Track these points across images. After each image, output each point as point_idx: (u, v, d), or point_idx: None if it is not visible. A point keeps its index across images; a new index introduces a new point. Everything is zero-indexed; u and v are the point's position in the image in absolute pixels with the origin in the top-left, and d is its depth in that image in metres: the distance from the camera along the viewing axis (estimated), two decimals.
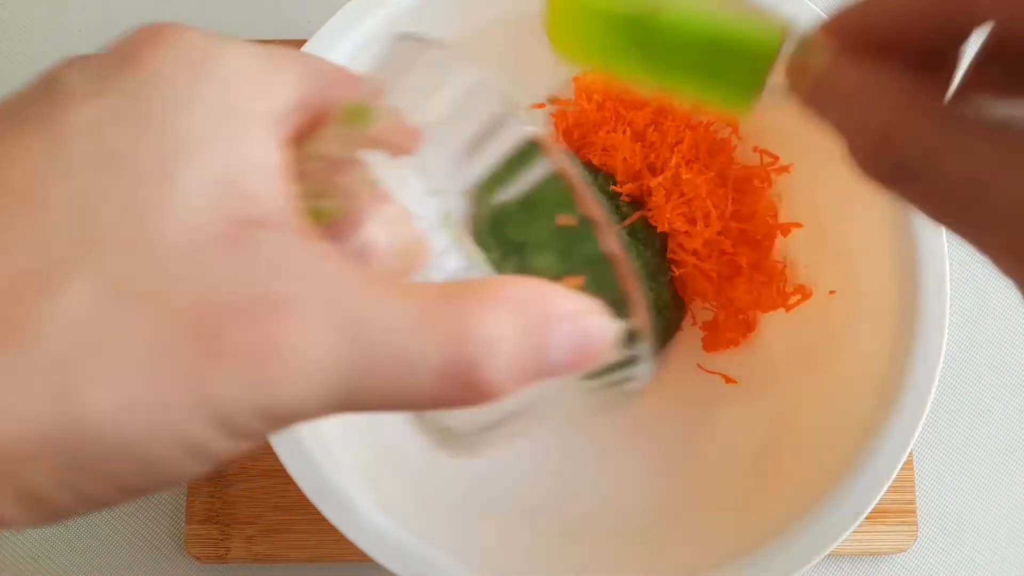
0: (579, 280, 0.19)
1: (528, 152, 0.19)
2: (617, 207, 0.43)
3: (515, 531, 0.40)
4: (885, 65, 0.18)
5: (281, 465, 0.34)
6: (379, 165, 0.19)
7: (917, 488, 0.45)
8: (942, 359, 0.35)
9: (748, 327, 0.43)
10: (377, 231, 0.20)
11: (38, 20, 0.52)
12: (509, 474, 0.42)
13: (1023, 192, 0.15)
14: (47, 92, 0.16)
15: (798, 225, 0.42)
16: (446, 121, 0.19)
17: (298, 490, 0.34)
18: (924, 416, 0.34)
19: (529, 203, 0.19)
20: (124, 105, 0.16)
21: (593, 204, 0.19)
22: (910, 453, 0.37)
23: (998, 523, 0.46)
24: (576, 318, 0.17)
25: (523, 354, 0.17)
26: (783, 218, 0.43)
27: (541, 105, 0.45)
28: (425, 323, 0.16)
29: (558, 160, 0.19)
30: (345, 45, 0.37)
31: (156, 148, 0.16)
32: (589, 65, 0.21)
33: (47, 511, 0.15)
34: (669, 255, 0.44)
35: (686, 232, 0.42)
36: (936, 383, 0.34)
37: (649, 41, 0.19)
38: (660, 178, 0.42)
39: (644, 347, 0.19)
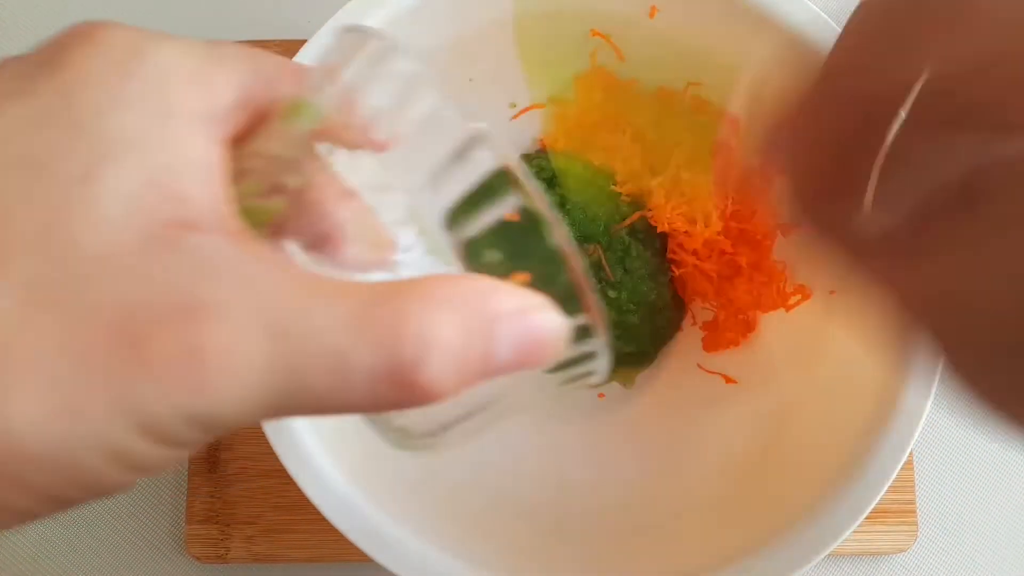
0: (526, 276, 0.19)
1: (470, 145, 0.18)
2: (617, 207, 0.43)
3: (515, 531, 0.40)
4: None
5: (281, 465, 0.34)
6: (339, 161, 0.19)
7: (917, 488, 0.45)
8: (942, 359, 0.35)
9: (748, 327, 0.43)
10: (341, 225, 0.20)
11: (38, 20, 0.52)
12: (509, 474, 0.42)
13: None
14: None
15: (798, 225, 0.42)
16: (388, 115, 0.19)
17: (298, 490, 0.34)
18: (924, 416, 0.34)
19: (474, 199, 0.19)
20: (50, 107, 0.16)
21: (538, 196, 0.19)
22: (910, 453, 0.37)
23: (998, 523, 0.46)
24: (522, 315, 0.17)
25: (466, 354, 0.16)
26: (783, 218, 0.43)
27: (541, 105, 0.45)
28: (359, 324, 0.16)
29: (499, 152, 0.18)
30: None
31: (82, 150, 0.15)
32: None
33: None
34: (669, 255, 0.44)
35: (686, 232, 0.42)
36: (936, 383, 0.34)
37: None
38: (660, 178, 0.42)
39: (599, 342, 0.19)
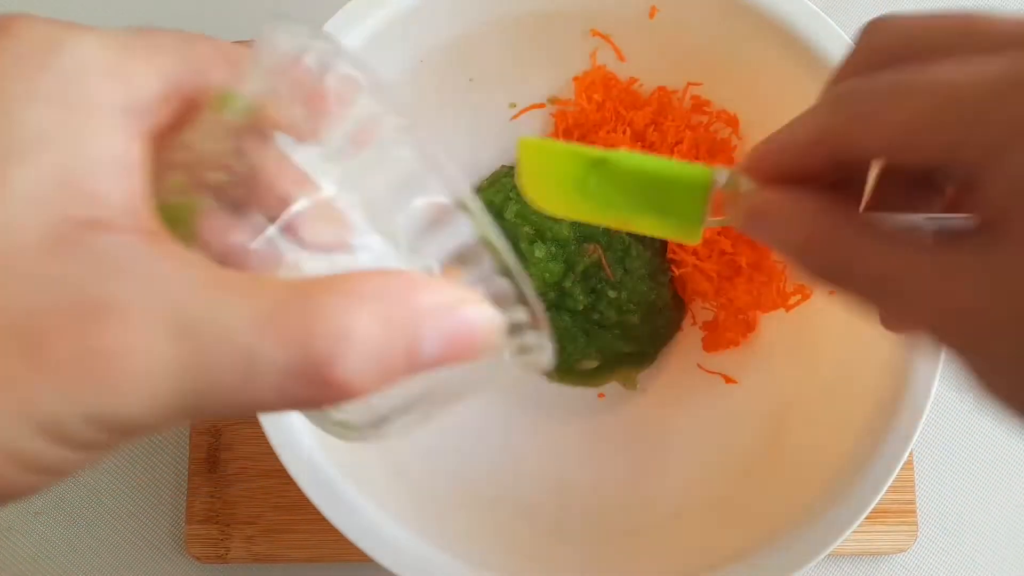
0: (457, 271, 0.18)
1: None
2: None
3: (515, 531, 0.40)
4: (805, 189, 0.20)
5: (281, 465, 0.35)
6: (295, 152, 0.19)
7: (917, 488, 0.45)
8: (942, 359, 0.35)
9: (748, 327, 0.43)
10: (298, 208, 0.19)
11: None
12: (509, 474, 0.42)
13: (924, 282, 0.18)
14: None
15: None
16: (328, 113, 0.19)
17: (298, 490, 0.34)
18: (924, 416, 0.34)
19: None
20: None
21: (462, 185, 0.18)
22: (910, 453, 0.37)
23: (998, 523, 0.46)
24: (450, 310, 0.17)
25: (387, 349, 0.16)
26: None
27: (541, 105, 0.45)
28: (270, 321, 0.15)
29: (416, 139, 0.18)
30: (345, 45, 0.37)
31: None
32: (559, 212, 0.24)
33: None
34: (669, 255, 0.44)
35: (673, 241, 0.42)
36: (936, 383, 0.34)
37: (603, 186, 0.23)
38: None
39: (539, 335, 0.19)
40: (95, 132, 0.16)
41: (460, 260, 0.19)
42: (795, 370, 0.41)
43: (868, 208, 0.22)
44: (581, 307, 0.43)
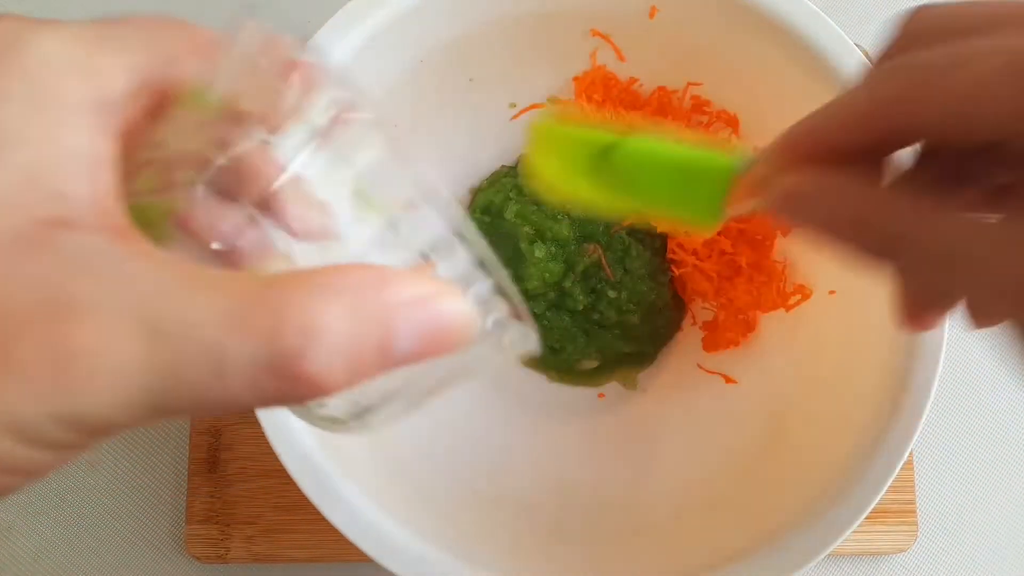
0: (431, 265, 0.18)
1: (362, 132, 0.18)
2: None
3: (515, 531, 0.40)
4: (828, 168, 0.20)
5: (281, 465, 0.34)
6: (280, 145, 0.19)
7: (917, 488, 0.45)
8: (942, 359, 0.35)
9: (748, 327, 0.43)
10: (283, 193, 0.19)
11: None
12: (509, 474, 0.42)
13: (999, 251, 0.17)
14: None
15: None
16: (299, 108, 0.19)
17: (298, 490, 0.34)
18: (924, 416, 0.34)
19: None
20: None
21: (431, 177, 0.18)
22: (910, 453, 0.37)
23: (998, 523, 0.46)
24: (424, 303, 0.17)
25: (358, 344, 0.16)
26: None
27: (541, 105, 0.45)
28: (238, 317, 0.15)
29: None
30: (345, 45, 0.37)
31: None
32: (569, 197, 0.23)
33: None
34: (669, 255, 0.44)
35: (686, 232, 0.42)
36: (936, 383, 0.34)
37: (619, 168, 0.21)
38: None
39: (519, 327, 0.19)
40: (62, 130, 0.16)
41: (436, 252, 0.19)
42: (795, 370, 0.41)
43: (904, 187, 0.21)
44: (581, 307, 0.43)
